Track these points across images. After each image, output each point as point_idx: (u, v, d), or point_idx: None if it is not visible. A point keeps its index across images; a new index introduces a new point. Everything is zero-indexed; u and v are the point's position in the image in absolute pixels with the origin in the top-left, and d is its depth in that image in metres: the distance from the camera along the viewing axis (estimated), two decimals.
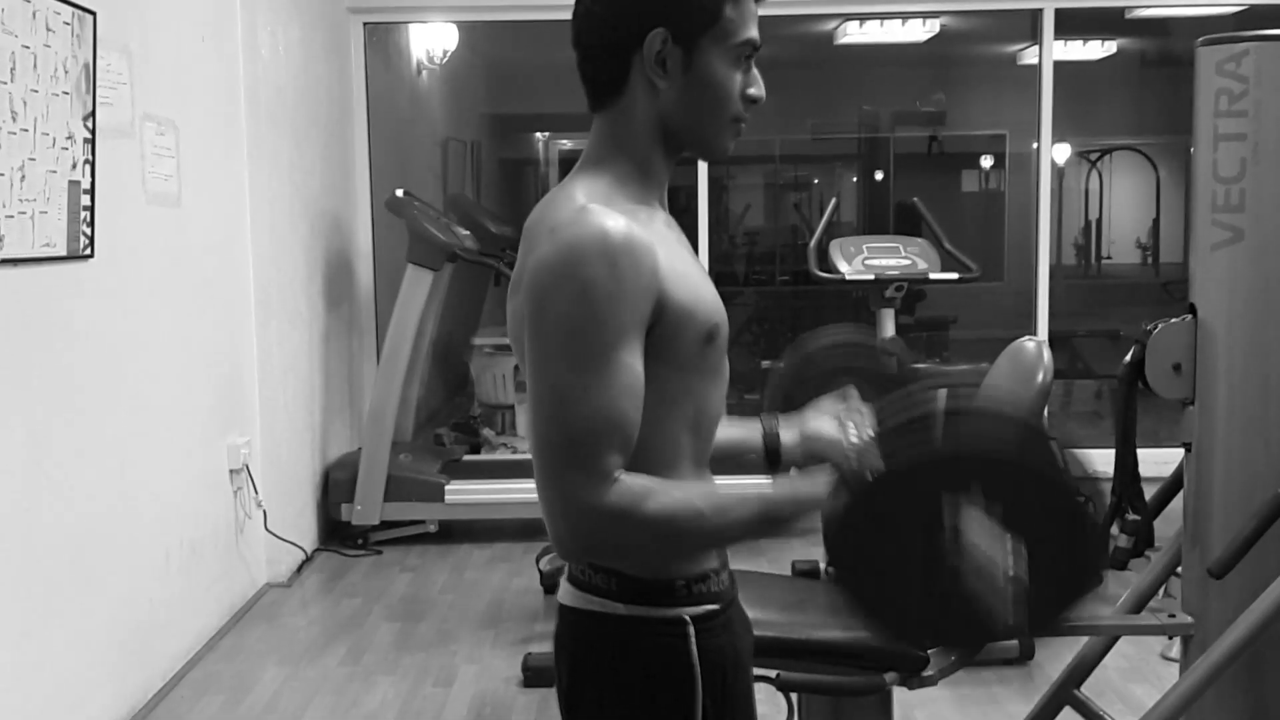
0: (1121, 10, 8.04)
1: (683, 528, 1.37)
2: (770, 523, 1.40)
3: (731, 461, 1.68)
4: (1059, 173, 11.12)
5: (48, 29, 3.14)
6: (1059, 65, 6.46)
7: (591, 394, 1.33)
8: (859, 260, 4.94)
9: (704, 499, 1.38)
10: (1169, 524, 2.75)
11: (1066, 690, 2.81)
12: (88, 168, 3.34)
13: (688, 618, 1.47)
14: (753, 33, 1.47)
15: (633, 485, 1.34)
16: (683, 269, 1.42)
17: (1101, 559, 1.42)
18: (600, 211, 1.36)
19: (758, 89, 1.49)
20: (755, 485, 1.43)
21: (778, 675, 2.30)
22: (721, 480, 1.54)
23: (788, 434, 1.73)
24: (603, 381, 1.33)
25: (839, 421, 1.70)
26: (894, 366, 1.91)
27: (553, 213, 1.41)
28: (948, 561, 1.33)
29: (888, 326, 4.89)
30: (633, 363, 1.35)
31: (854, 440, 1.64)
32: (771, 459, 1.71)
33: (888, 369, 1.85)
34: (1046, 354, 2.35)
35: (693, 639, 1.46)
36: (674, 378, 1.42)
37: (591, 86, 1.49)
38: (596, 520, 1.34)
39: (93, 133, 3.37)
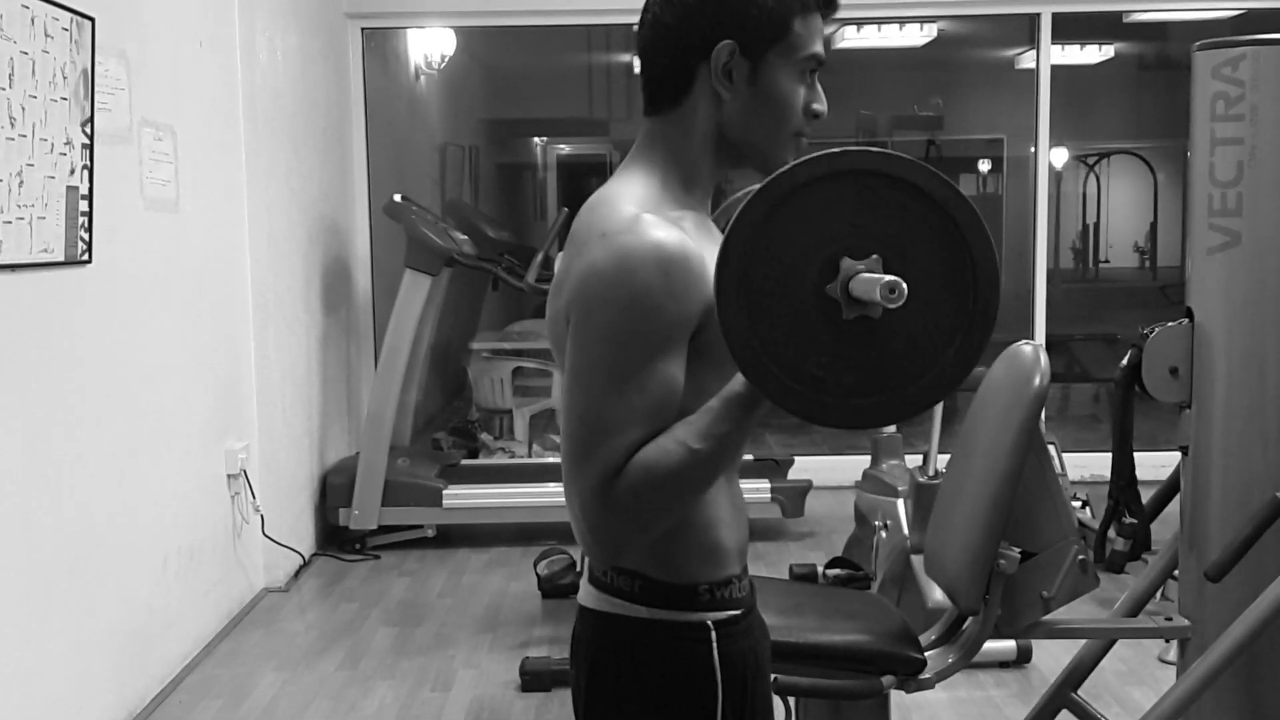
0: (1119, 15, 8.07)
1: (689, 474, 1.36)
2: (745, 412, 1.36)
3: None
4: (1057, 177, 11.15)
5: (46, 34, 3.15)
6: (1056, 69, 6.47)
7: (627, 400, 1.34)
8: None
9: (691, 435, 1.35)
10: (1166, 527, 2.75)
11: (1064, 693, 2.82)
12: (86, 173, 3.34)
13: (711, 623, 1.47)
14: (818, 48, 1.48)
15: (634, 465, 1.34)
16: None
17: (991, 267, 1.32)
18: (653, 222, 1.37)
19: (821, 103, 1.50)
20: None
21: (775, 679, 2.30)
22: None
23: None
24: (640, 390, 1.34)
25: None
26: None
27: (602, 218, 1.41)
28: (843, 321, 1.28)
29: None
30: (674, 374, 1.36)
31: None
32: None
33: None
34: (1043, 358, 2.36)
35: (715, 644, 1.46)
36: (717, 376, 1.42)
37: (653, 92, 1.50)
38: (622, 515, 1.34)
39: (91, 138, 3.37)
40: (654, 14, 1.48)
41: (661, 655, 1.47)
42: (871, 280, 1.26)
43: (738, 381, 1.36)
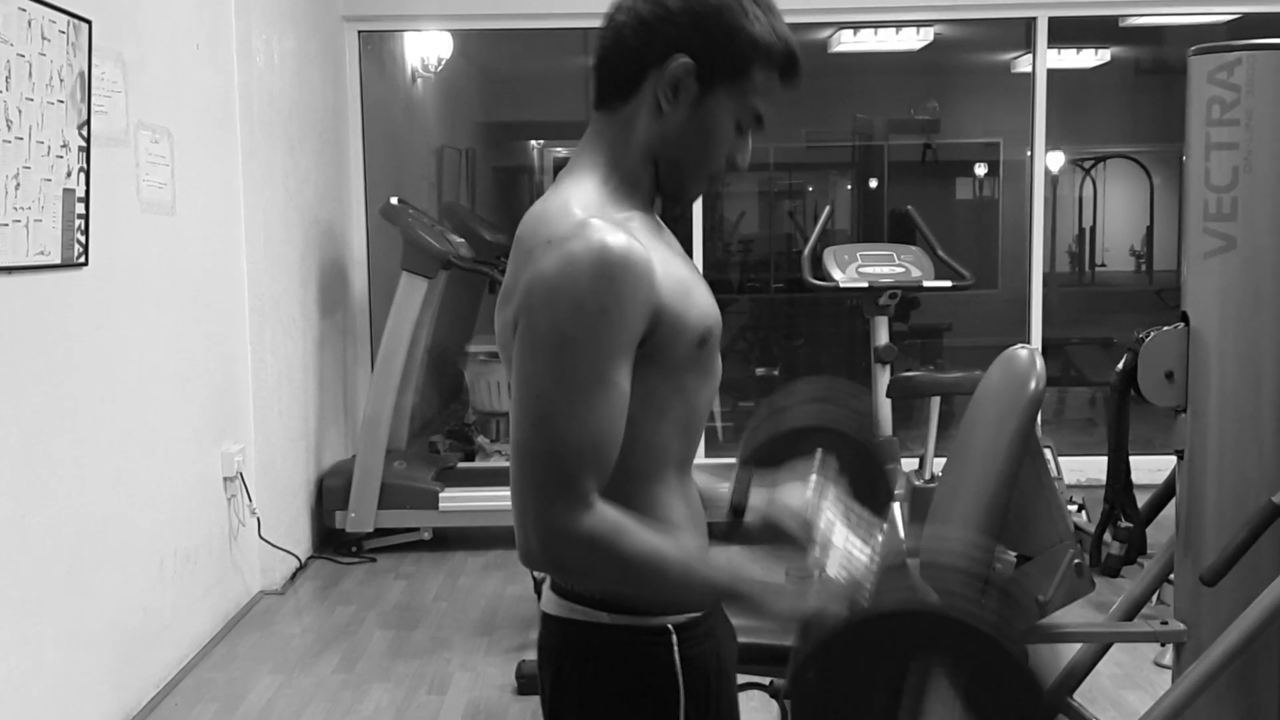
0: (1115, 19, 8.08)
1: (645, 575, 1.38)
2: (730, 600, 1.44)
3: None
4: (1053, 180, 11.14)
5: (43, 37, 3.15)
6: (1053, 73, 6.48)
7: (578, 413, 1.33)
8: (853, 268, 4.94)
9: (675, 553, 1.38)
10: (1162, 531, 2.75)
11: (1059, 697, 2.82)
12: (82, 176, 3.34)
13: (671, 626, 1.47)
14: (763, 106, 1.48)
15: (608, 518, 1.34)
16: (677, 275, 1.42)
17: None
18: (600, 227, 1.35)
19: (744, 158, 1.51)
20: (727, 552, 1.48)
21: (771, 682, 2.31)
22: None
23: (758, 494, 1.70)
24: (590, 402, 1.33)
25: (808, 499, 1.65)
26: (866, 432, 1.93)
27: (548, 223, 1.40)
28: None
29: (881, 334, 4.90)
30: (621, 382, 1.35)
31: (834, 558, 1.59)
32: (736, 511, 1.69)
33: (860, 434, 1.85)
34: (1039, 361, 2.36)
35: (676, 647, 1.47)
36: (665, 380, 1.42)
37: (602, 85, 1.50)
38: (569, 544, 1.35)
39: (87, 141, 3.37)
40: (628, 8, 1.48)
41: (623, 660, 1.48)
42: None
43: (755, 586, 1.40)
